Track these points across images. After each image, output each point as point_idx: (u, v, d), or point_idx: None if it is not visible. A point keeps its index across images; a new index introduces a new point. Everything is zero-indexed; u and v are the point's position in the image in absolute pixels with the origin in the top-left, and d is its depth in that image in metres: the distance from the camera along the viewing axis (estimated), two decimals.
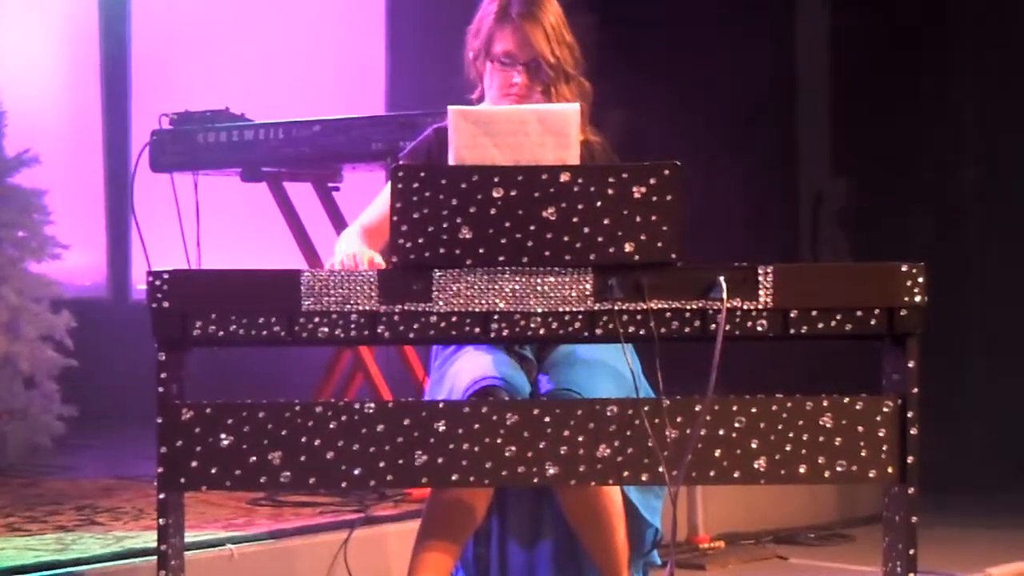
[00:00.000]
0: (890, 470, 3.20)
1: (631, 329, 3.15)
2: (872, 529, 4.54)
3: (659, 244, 3.13)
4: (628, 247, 3.13)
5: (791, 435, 3.19)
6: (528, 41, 3.66)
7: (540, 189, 3.12)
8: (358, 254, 3.49)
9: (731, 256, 3.27)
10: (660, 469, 3.15)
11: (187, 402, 3.16)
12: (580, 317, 3.15)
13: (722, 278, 3.14)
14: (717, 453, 3.19)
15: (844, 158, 7.67)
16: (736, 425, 3.19)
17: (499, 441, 3.15)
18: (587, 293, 3.15)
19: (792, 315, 3.18)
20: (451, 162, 3.25)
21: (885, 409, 3.20)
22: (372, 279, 3.14)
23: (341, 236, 3.76)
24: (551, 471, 3.16)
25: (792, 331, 3.18)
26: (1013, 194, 7.03)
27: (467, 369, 3.51)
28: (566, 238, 3.13)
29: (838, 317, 3.18)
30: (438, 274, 3.13)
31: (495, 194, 3.12)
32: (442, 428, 3.15)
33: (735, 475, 3.19)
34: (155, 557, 3.18)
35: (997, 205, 7.12)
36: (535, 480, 3.17)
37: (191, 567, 3.36)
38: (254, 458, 3.15)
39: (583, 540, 3.61)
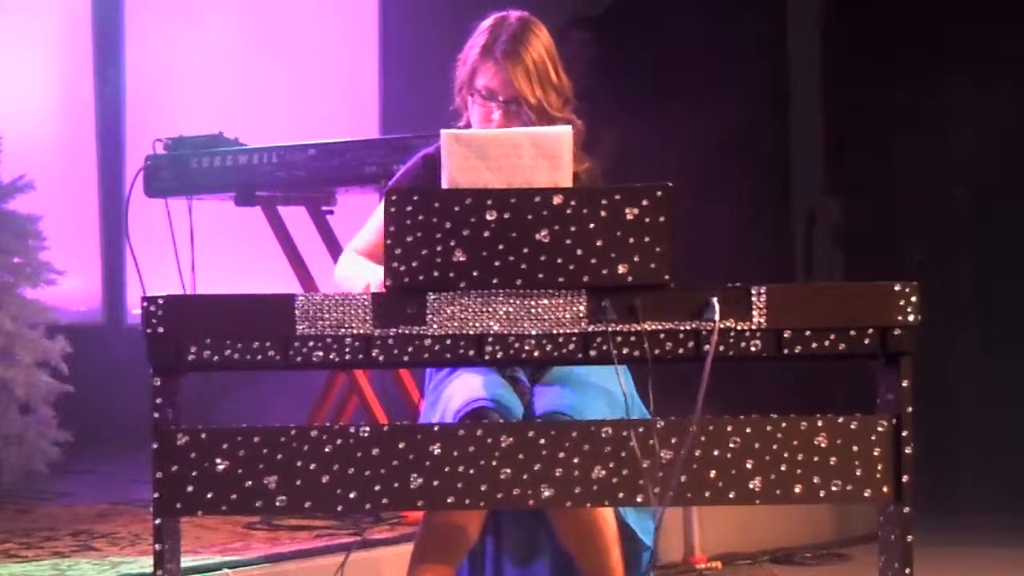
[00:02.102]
0: (885, 489, 3.20)
1: (625, 350, 3.16)
2: (868, 548, 4.53)
3: (652, 265, 3.14)
4: (621, 268, 3.14)
5: (786, 455, 3.19)
6: (508, 81, 3.66)
7: (533, 212, 3.13)
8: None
9: (725, 276, 3.28)
10: (655, 490, 3.15)
11: (182, 427, 3.16)
12: (574, 339, 3.16)
13: (715, 299, 3.15)
14: (712, 473, 3.19)
15: (837, 177, 7.68)
16: (731, 445, 3.19)
17: (494, 463, 3.15)
18: (581, 315, 3.15)
19: (786, 335, 3.18)
20: (444, 185, 3.26)
21: (880, 428, 3.20)
22: (366, 302, 3.14)
23: (344, 263, 3.73)
24: (546, 493, 3.16)
25: (786, 351, 3.19)
26: (1007, 213, 7.05)
27: (459, 392, 3.52)
28: (559, 260, 3.13)
29: (832, 337, 3.19)
30: (432, 297, 3.14)
31: (488, 217, 3.13)
32: (437, 451, 3.15)
33: (730, 495, 3.19)
34: None
35: (991, 224, 7.13)
36: (530, 502, 3.17)
37: None
38: (250, 482, 3.15)
39: (578, 562, 3.61)
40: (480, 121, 3.71)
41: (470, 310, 3.14)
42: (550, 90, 3.68)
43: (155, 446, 3.14)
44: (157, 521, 3.15)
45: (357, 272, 3.62)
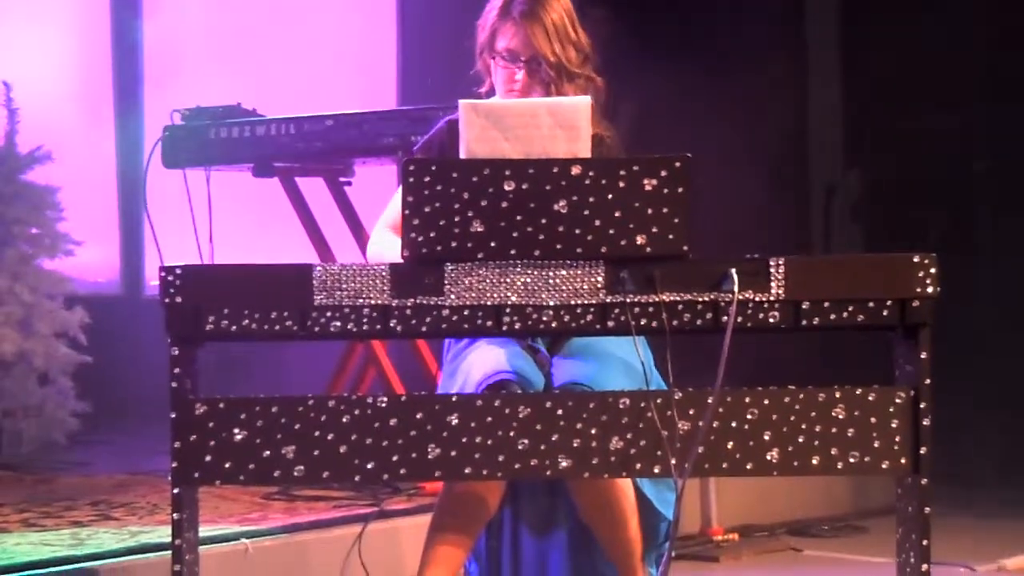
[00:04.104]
0: (903, 461, 3.20)
1: (643, 321, 3.15)
2: (885, 520, 4.53)
3: (670, 236, 3.13)
4: (640, 239, 3.13)
5: (804, 427, 3.19)
6: (528, 40, 3.65)
7: (551, 182, 3.13)
8: None
9: (743, 248, 3.27)
10: (672, 461, 3.15)
11: (200, 397, 3.17)
12: (592, 310, 3.16)
13: (734, 270, 3.15)
14: (730, 445, 3.19)
15: (857, 149, 7.66)
16: (748, 417, 3.19)
17: (512, 434, 3.16)
18: (599, 286, 3.15)
19: (804, 306, 3.18)
20: (462, 155, 3.26)
21: (898, 400, 3.20)
22: (384, 273, 3.14)
23: (376, 240, 3.73)
24: (564, 464, 3.17)
25: (804, 322, 3.18)
26: None
27: (480, 363, 3.51)
28: (578, 231, 3.13)
29: (850, 308, 3.18)
30: (450, 267, 3.14)
31: (506, 187, 3.12)
32: (455, 422, 3.16)
33: (748, 467, 3.19)
34: (170, 552, 3.19)
35: (1010, 196, 7.11)
36: (548, 473, 3.17)
37: (206, 562, 3.37)
38: (268, 452, 3.16)
39: (596, 533, 3.61)
40: (504, 83, 3.70)
41: (488, 281, 3.14)
42: (569, 46, 3.68)
43: (173, 416, 3.15)
44: (175, 490, 3.16)
45: (390, 248, 3.60)
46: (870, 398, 3.20)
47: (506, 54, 3.69)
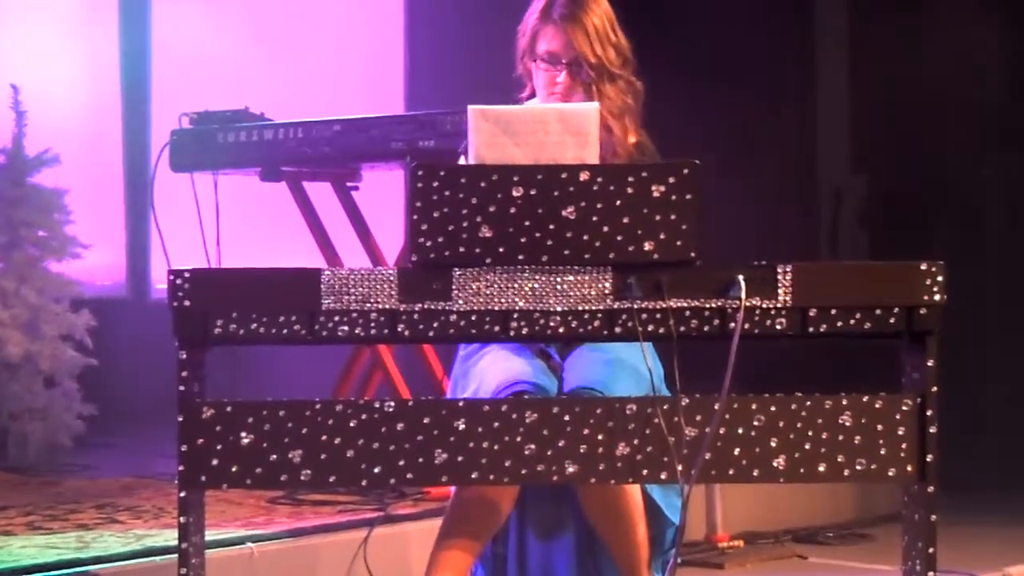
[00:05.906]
0: (909, 469, 3.20)
1: (650, 328, 3.16)
2: (891, 528, 4.54)
3: (678, 243, 3.14)
4: (647, 246, 3.14)
5: (810, 434, 3.19)
6: (569, 41, 3.68)
7: (560, 188, 3.13)
8: None
9: (750, 255, 3.27)
10: (679, 468, 3.15)
11: (208, 400, 3.17)
12: (599, 316, 3.16)
13: (741, 277, 3.15)
14: (736, 452, 3.19)
15: (864, 154, 7.67)
16: (755, 424, 3.19)
17: (519, 439, 3.16)
18: (606, 292, 3.15)
19: (811, 314, 3.18)
20: (471, 161, 3.26)
21: (904, 408, 3.20)
22: (392, 277, 3.15)
23: None
24: (570, 469, 3.17)
25: (811, 330, 3.19)
26: None
27: (496, 370, 3.51)
28: (585, 237, 3.13)
29: (857, 316, 3.19)
30: (458, 273, 3.14)
31: (515, 193, 3.13)
32: (462, 426, 3.16)
33: (754, 474, 3.20)
34: (176, 555, 3.19)
35: (1018, 203, 7.11)
36: (554, 478, 3.18)
37: (211, 565, 3.37)
38: (274, 456, 3.16)
39: (603, 538, 3.61)
40: (545, 86, 3.71)
41: (496, 286, 3.14)
42: (610, 48, 3.69)
43: (180, 419, 3.16)
44: (182, 494, 3.16)
45: None
46: (877, 405, 3.21)
47: (547, 56, 3.70)
